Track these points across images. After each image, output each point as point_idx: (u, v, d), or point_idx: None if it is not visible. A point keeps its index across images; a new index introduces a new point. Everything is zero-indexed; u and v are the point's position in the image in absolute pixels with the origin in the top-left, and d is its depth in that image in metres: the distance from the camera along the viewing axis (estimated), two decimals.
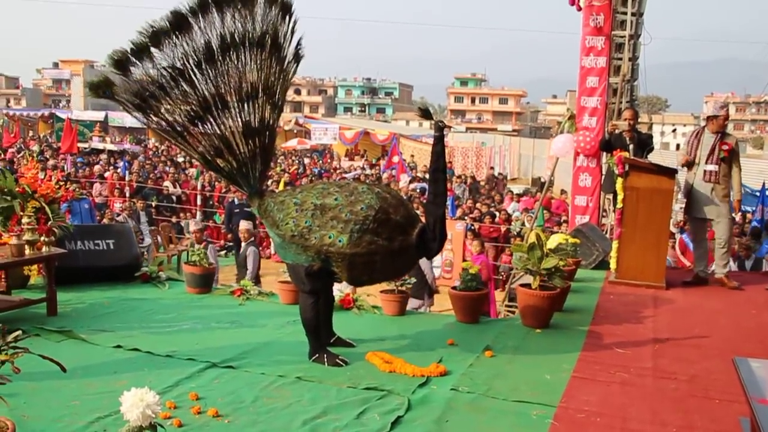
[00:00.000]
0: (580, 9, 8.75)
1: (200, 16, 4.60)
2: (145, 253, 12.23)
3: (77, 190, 10.19)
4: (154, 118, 4.75)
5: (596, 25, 8.63)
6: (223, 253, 13.94)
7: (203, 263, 6.60)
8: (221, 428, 3.49)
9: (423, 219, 4.54)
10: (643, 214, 6.82)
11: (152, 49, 4.58)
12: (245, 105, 4.70)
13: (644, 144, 7.89)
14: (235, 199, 13.64)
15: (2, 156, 22.86)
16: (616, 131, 8.23)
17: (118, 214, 13.72)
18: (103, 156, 24.22)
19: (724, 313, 6.13)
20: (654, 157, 8.10)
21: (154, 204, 15.77)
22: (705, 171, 6.97)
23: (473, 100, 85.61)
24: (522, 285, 5.52)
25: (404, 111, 79.09)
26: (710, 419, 3.75)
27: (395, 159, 21.11)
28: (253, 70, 4.71)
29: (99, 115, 33.43)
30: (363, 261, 4.27)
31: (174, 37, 4.58)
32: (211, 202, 16.67)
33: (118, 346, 4.74)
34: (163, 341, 4.90)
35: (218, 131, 4.72)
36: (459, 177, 22.08)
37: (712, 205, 6.98)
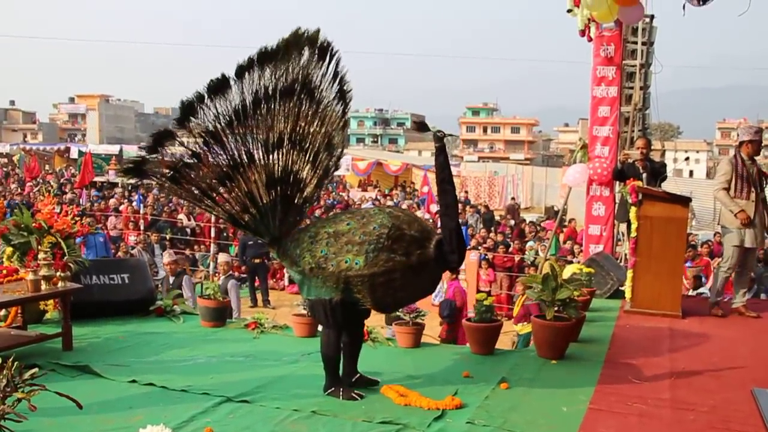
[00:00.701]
0: (590, 40, 8.82)
1: (244, 77, 4.48)
2: (160, 286, 12.28)
3: (92, 224, 10.28)
4: (186, 187, 4.62)
5: (607, 55, 8.69)
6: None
7: (217, 297, 6.61)
8: None
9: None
10: (658, 243, 6.80)
11: (191, 120, 4.48)
12: (270, 156, 4.56)
13: (657, 173, 7.88)
14: None
15: (20, 191, 23.16)
16: (629, 160, 8.23)
17: (133, 247, 13.83)
18: (118, 189, 24.42)
19: (742, 342, 6.06)
20: (667, 185, 8.09)
21: (168, 237, 15.86)
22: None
23: (485, 130, 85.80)
24: (537, 316, 5.49)
25: (416, 141, 79.34)
26: None
27: (425, 189, 21.12)
28: (281, 119, 4.56)
29: (114, 149, 33.72)
30: (383, 281, 4.19)
31: (210, 100, 4.46)
32: (225, 234, 16.74)
33: (133, 381, 4.74)
34: (178, 376, 4.89)
35: (245, 188, 4.57)
36: (472, 206, 22.07)
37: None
